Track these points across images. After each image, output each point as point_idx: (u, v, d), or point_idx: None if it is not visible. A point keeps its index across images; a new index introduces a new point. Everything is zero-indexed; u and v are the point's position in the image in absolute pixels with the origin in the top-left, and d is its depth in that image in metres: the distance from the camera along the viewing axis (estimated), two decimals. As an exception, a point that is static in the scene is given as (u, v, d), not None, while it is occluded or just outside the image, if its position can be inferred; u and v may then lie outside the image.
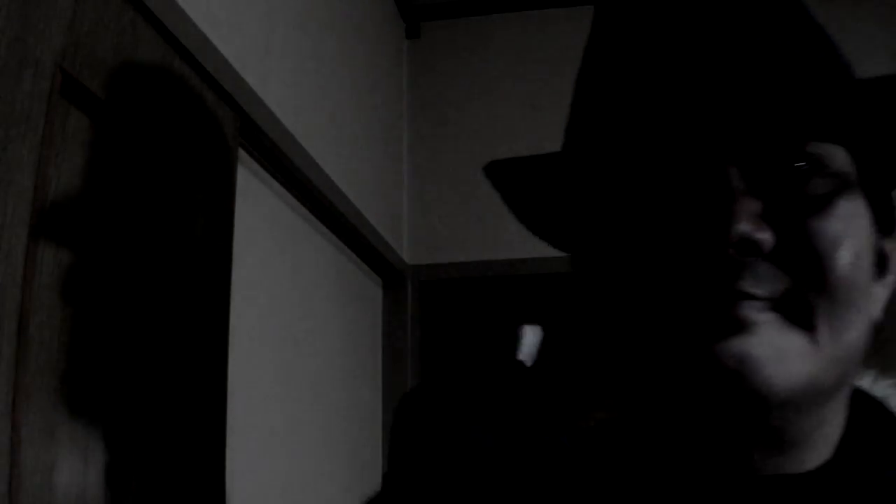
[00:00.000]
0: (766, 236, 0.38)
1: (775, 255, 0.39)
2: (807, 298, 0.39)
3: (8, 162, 0.64)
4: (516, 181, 0.49)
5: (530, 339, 0.46)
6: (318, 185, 1.41)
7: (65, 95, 0.73)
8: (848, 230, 0.41)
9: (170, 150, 0.91)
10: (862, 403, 0.48)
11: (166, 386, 0.87)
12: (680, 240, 0.40)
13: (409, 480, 0.42)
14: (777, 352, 0.38)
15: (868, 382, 0.51)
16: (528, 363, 0.47)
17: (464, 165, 2.11)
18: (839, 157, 0.43)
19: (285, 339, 1.35)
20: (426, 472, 0.41)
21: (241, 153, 1.17)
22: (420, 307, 2.05)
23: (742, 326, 0.38)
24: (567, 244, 0.52)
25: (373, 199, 1.77)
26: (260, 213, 1.27)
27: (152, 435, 0.83)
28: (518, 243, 1.66)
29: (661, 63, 0.43)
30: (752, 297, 0.38)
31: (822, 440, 0.44)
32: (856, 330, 0.42)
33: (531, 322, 0.51)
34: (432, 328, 2.05)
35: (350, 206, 1.57)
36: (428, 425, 0.43)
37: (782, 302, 0.39)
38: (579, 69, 0.50)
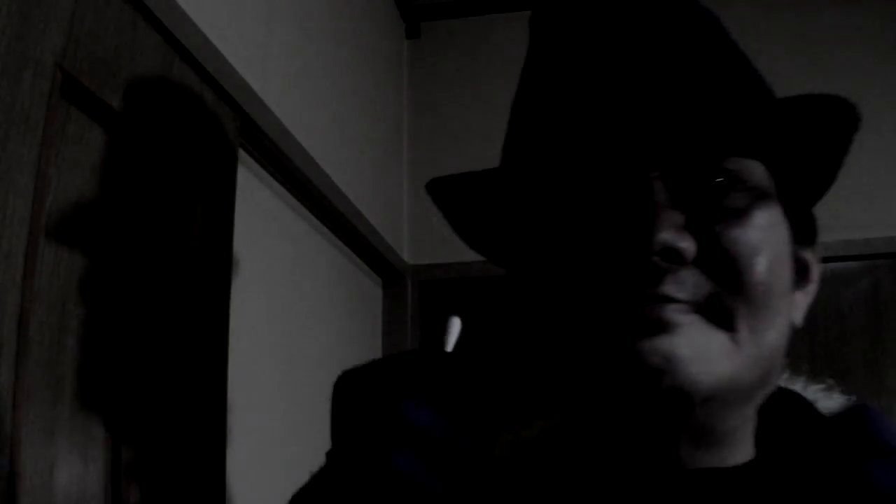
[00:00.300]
0: (687, 245, 0.41)
1: (698, 263, 0.42)
2: (727, 302, 0.42)
3: (8, 162, 0.64)
4: (455, 197, 0.52)
5: (455, 329, 0.50)
6: (318, 185, 1.41)
7: (65, 95, 0.73)
8: (765, 239, 0.44)
9: (170, 150, 0.91)
10: (792, 404, 0.51)
11: (166, 386, 0.87)
12: (608, 249, 0.43)
13: (345, 452, 0.43)
14: (700, 351, 0.41)
15: (799, 387, 0.54)
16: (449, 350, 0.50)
17: (464, 165, 2.09)
18: (757, 172, 0.46)
19: (285, 339, 1.35)
20: (361, 443, 0.42)
21: (241, 153, 1.17)
22: (420, 307, 2.05)
23: (666, 327, 0.40)
24: (502, 257, 0.55)
25: (373, 199, 1.77)
26: (260, 213, 1.27)
27: (152, 435, 0.83)
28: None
29: (589, 82, 0.46)
30: (676, 301, 0.41)
31: (746, 437, 0.47)
32: (775, 331, 0.44)
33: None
34: (432, 328, 2.05)
35: (350, 206, 1.57)
36: (364, 397, 0.44)
37: (705, 305, 0.42)
38: (516, 89, 0.53)
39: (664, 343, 0.40)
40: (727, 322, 0.42)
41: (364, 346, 1.84)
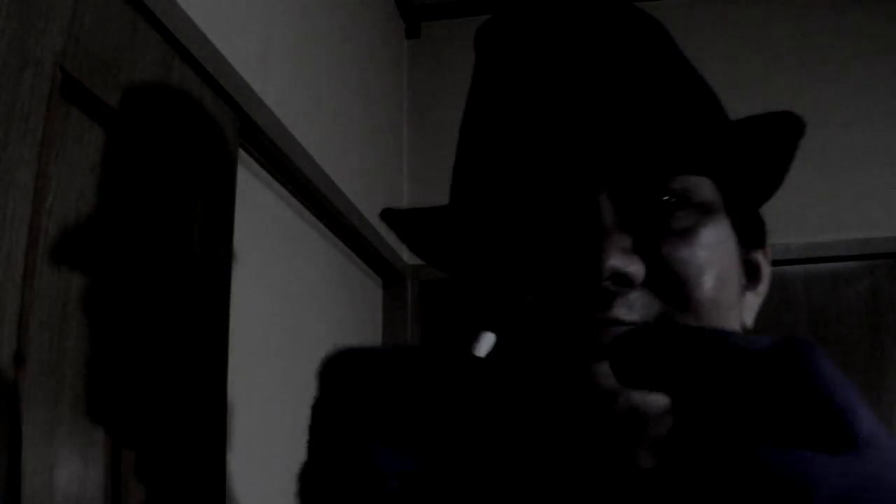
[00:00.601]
0: (636, 269, 0.42)
1: (647, 284, 0.43)
2: (678, 320, 0.43)
3: (8, 162, 0.64)
4: (410, 229, 0.54)
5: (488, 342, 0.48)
6: (319, 186, 1.41)
7: (65, 95, 0.73)
8: (712, 257, 0.45)
9: (170, 150, 0.91)
10: None
11: (166, 386, 0.87)
12: (559, 274, 0.44)
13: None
14: None
15: None
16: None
17: (464, 165, 2.11)
18: (704, 188, 0.47)
19: (285, 339, 1.35)
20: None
21: (241, 153, 1.17)
22: (420, 307, 2.05)
23: None
24: (461, 273, 0.57)
25: (373, 199, 1.77)
26: (260, 213, 1.27)
27: (152, 435, 0.83)
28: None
29: (533, 104, 0.46)
30: (626, 323, 0.42)
31: None
32: (729, 318, 0.46)
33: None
34: (432, 328, 2.05)
35: (350, 206, 1.57)
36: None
37: (655, 325, 0.43)
38: (463, 114, 0.54)
39: None
40: None
41: (364, 346, 1.84)
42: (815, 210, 1.85)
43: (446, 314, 2.06)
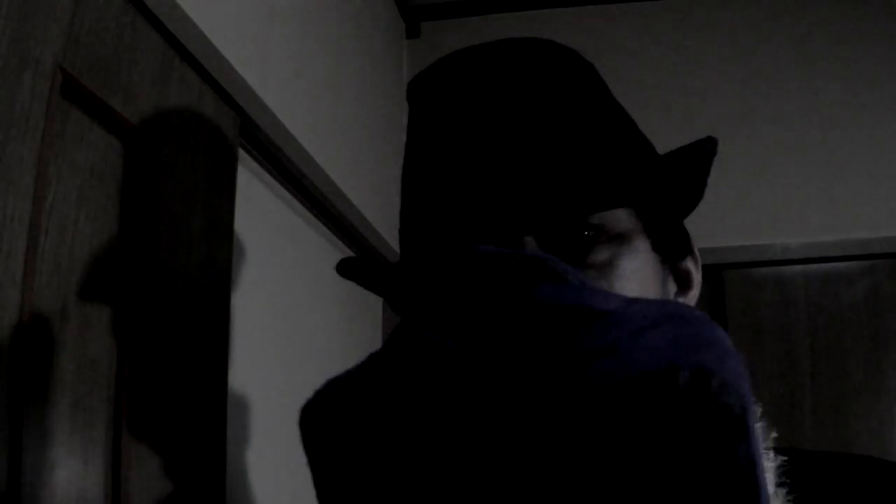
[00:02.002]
0: None
1: None
2: None
3: (8, 162, 0.64)
4: (365, 277, 0.58)
5: None
6: (319, 185, 1.41)
7: (65, 96, 0.73)
8: (630, 286, 0.48)
9: (170, 149, 0.91)
10: None
11: (166, 386, 0.87)
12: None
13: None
14: None
15: None
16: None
17: (464, 165, 2.10)
18: (621, 219, 0.50)
19: (285, 339, 1.35)
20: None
21: (241, 153, 1.17)
22: (420, 307, 2.05)
23: None
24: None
25: (373, 198, 1.77)
26: (260, 213, 1.27)
27: (152, 435, 0.83)
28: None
29: (461, 160, 0.49)
30: None
31: None
32: None
33: None
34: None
35: (350, 206, 1.57)
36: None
37: None
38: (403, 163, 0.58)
39: None
40: None
41: (364, 346, 1.84)
42: (815, 210, 1.85)
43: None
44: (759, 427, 0.50)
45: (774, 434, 0.56)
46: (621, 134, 0.52)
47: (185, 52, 0.95)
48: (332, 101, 1.55)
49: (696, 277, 0.57)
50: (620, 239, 0.49)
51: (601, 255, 0.48)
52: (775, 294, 1.93)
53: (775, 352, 1.89)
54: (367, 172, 1.80)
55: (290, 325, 1.37)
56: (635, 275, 0.49)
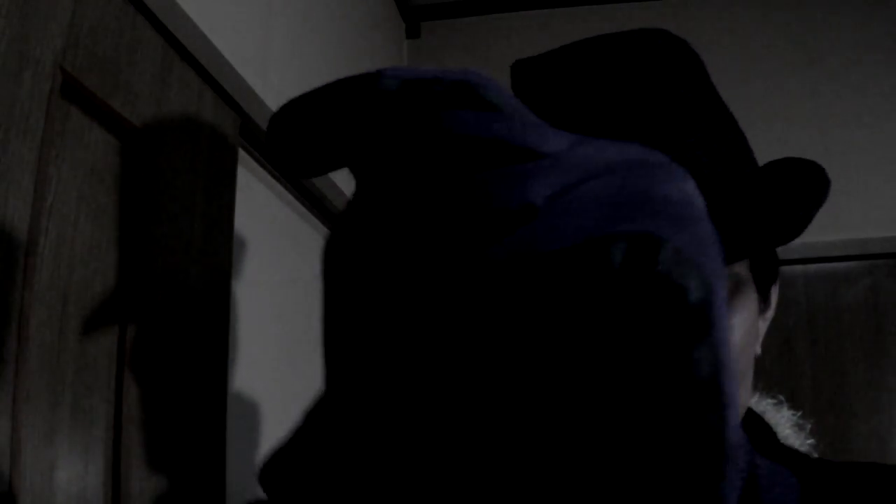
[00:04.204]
0: None
1: None
2: None
3: (8, 162, 0.64)
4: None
5: None
6: (318, 185, 1.41)
7: (65, 96, 0.73)
8: (742, 322, 0.48)
9: (170, 149, 0.91)
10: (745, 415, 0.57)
11: (167, 386, 0.87)
12: None
13: None
14: None
15: (753, 401, 0.61)
16: None
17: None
18: (737, 267, 0.49)
19: (285, 339, 1.34)
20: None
21: (241, 153, 1.17)
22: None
23: None
24: None
25: (373, 199, 1.77)
26: (260, 213, 1.27)
27: (152, 435, 0.83)
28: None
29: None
30: None
31: None
32: (745, 391, 0.50)
33: None
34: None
35: (350, 206, 1.57)
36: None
37: None
38: None
39: None
40: None
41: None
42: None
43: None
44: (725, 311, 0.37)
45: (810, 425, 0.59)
46: (734, 169, 0.50)
47: (185, 52, 0.95)
48: (332, 101, 1.55)
49: (775, 297, 0.55)
50: (737, 278, 0.48)
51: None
52: (775, 294, 1.93)
53: (775, 352, 1.89)
54: (367, 172, 1.79)
55: (290, 325, 1.37)
56: (744, 323, 0.48)
